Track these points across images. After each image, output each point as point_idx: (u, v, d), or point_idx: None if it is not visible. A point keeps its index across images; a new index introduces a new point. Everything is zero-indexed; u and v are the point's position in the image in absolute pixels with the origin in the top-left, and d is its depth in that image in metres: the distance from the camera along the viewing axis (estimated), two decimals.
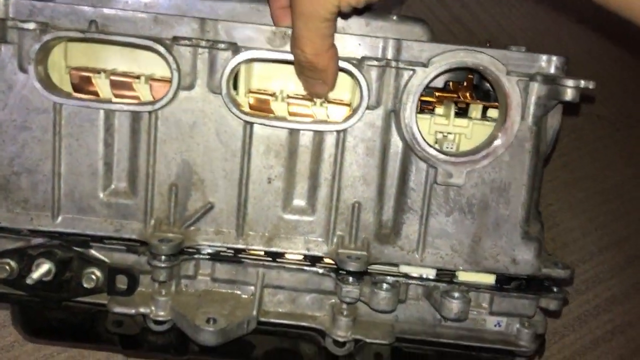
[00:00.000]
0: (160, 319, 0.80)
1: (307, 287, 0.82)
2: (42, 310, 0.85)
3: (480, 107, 0.81)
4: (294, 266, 0.81)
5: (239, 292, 0.83)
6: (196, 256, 0.80)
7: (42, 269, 0.77)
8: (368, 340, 0.81)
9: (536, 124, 0.77)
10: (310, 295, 0.83)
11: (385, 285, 0.78)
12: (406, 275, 0.81)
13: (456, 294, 0.78)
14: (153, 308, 0.80)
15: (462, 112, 0.82)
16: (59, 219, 0.79)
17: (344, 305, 0.81)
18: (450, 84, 0.84)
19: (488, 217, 0.79)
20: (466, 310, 0.77)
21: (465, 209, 0.79)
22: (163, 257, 0.77)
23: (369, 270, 0.79)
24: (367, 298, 0.78)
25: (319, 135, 0.78)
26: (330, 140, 0.78)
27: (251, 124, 0.77)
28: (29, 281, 0.76)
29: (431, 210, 0.79)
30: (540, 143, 0.79)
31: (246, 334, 0.80)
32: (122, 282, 0.80)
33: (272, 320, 0.83)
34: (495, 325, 0.83)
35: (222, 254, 0.81)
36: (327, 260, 0.81)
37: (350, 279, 0.78)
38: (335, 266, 0.79)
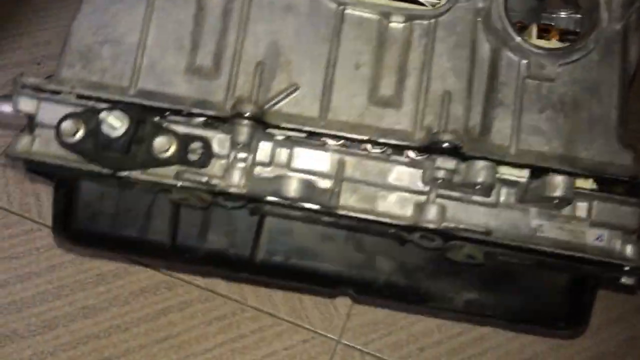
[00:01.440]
0: (234, 190, 0.68)
1: (391, 183, 0.71)
2: (92, 205, 0.72)
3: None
4: (378, 154, 0.71)
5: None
6: (276, 137, 0.71)
7: (114, 121, 0.67)
8: (461, 226, 0.68)
9: (623, 26, 0.73)
10: (393, 194, 0.71)
11: (481, 162, 0.67)
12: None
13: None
14: (227, 179, 0.68)
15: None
16: (136, 90, 0.71)
17: (433, 194, 0.69)
18: None
19: (581, 116, 0.72)
20: (570, 187, 0.66)
21: (557, 106, 0.72)
22: (245, 121, 0.67)
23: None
24: (462, 173, 0.67)
25: (409, 26, 0.74)
26: (420, 31, 0.73)
27: (344, 6, 0.73)
28: (102, 134, 0.65)
29: (523, 106, 0.72)
30: (627, 51, 0.74)
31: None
32: (195, 153, 0.69)
33: (352, 214, 0.70)
34: (596, 239, 0.71)
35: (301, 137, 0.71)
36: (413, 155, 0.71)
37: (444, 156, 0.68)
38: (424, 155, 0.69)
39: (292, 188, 0.64)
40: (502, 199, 0.70)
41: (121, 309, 1.12)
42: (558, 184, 0.65)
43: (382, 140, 0.70)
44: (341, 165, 0.70)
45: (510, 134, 0.70)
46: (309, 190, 0.65)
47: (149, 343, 1.11)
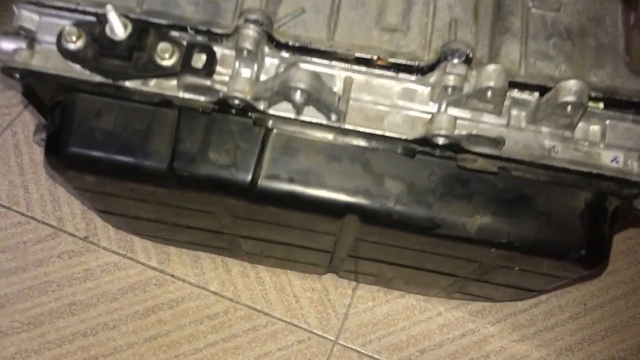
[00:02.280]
0: (239, 95, 0.63)
1: (399, 103, 0.67)
2: (88, 123, 0.67)
3: None
4: (386, 73, 0.67)
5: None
6: (282, 53, 0.67)
7: (117, 22, 0.63)
8: (474, 133, 0.63)
9: None
10: (402, 113, 0.66)
11: (492, 65, 0.63)
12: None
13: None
14: (232, 85, 0.63)
15: None
16: (142, 9, 0.68)
17: (444, 105, 0.65)
18: None
19: (588, 44, 0.69)
20: (584, 91, 0.61)
21: (564, 34, 0.69)
22: (251, 27, 0.64)
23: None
24: (473, 81, 0.63)
25: None
26: None
27: None
28: (104, 37, 0.61)
29: (530, 33, 0.69)
30: None
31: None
32: (199, 61, 0.65)
33: (357, 128, 0.65)
34: (612, 161, 0.66)
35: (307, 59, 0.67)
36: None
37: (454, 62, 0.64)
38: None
39: (301, 77, 0.59)
40: (512, 121, 0.65)
41: (109, 305, 1.04)
42: (571, 87, 0.60)
43: (390, 60, 0.65)
44: (348, 84, 0.65)
45: (519, 59, 0.67)
46: (318, 83, 0.60)
47: (138, 341, 1.02)
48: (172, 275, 1.07)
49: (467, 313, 1.07)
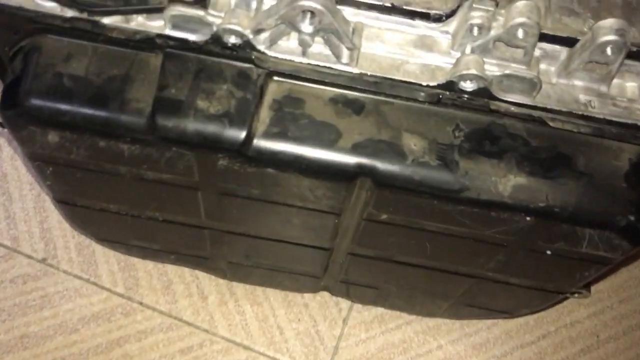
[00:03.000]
0: (235, 28, 0.52)
1: (417, 52, 0.57)
2: (55, 67, 0.55)
3: None
4: (400, 18, 0.58)
5: None
6: None
7: None
8: (506, 72, 0.53)
9: None
10: (418, 63, 0.57)
11: (522, 1, 0.55)
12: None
13: None
14: (228, 17, 0.53)
15: None
16: None
17: (469, 48, 0.55)
18: None
19: (615, 2, 0.61)
20: (625, 29, 0.53)
21: None
22: None
23: None
24: (502, 18, 0.54)
25: None
26: None
27: None
28: None
29: None
30: None
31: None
32: None
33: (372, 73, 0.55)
34: None
35: None
36: None
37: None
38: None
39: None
40: (542, 76, 0.56)
41: (68, 337, 0.88)
42: (611, 25, 0.52)
43: (405, 7, 0.56)
44: (358, 30, 0.55)
45: (544, 13, 0.58)
46: (332, 5, 0.50)
47: None
48: (141, 303, 0.91)
49: (469, 346, 0.93)
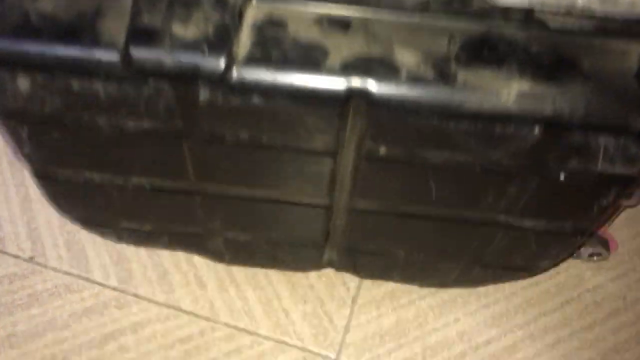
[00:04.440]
0: None
1: None
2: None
3: None
4: None
5: None
6: None
7: None
8: None
9: None
10: None
11: None
12: None
13: None
14: None
15: None
16: None
17: None
18: None
19: None
20: None
21: None
22: None
23: None
24: None
25: None
26: None
27: None
28: None
29: None
30: None
31: None
32: None
33: None
34: None
35: None
36: None
37: None
38: None
39: None
40: None
41: (58, 334, 0.84)
42: None
43: None
44: None
45: None
46: None
47: None
48: (136, 295, 0.88)
49: (489, 317, 0.89)
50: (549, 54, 0.52)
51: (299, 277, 0.90)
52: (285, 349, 0.85)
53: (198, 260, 0.90)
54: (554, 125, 0.52)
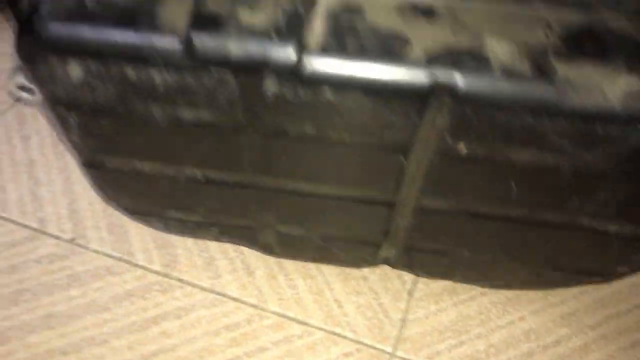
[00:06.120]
0: None
1: None
2: None
3: None
4: None
5: None
6: None
7: None
8: None
9: None
10: None
11: None
12: None
13: None
14: None
15: None
16: None
17: None
18: None
19: None
20: None
21: None
22: None
23: None
24: None
25: None
26: None
27: None
28: None
29: None
30: None
31: None
32: None
33: None
34: None
35: None
36: None
37: None
38: None
39: None
40: None
41: (98, 316, 0.84)
42: None
43: None
44: None
45: None
46: None
47: (133, 359, 0.81)
48: (180, 280, 0.87)
49: (557, 316, 0.87)
50: None
51: (351, 269, 0.89)
52: (338, 341, 0.84)
53: (246, 248, 0.89)
54: None
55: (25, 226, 0.93)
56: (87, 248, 0.90)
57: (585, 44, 0.49)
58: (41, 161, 1.00)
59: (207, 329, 0.85)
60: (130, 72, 0.52)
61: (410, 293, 0.88)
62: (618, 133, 0.49)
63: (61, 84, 0.54)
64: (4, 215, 0.93)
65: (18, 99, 0.67)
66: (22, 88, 0.67)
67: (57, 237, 0.91)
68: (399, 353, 0.83)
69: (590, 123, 0.49)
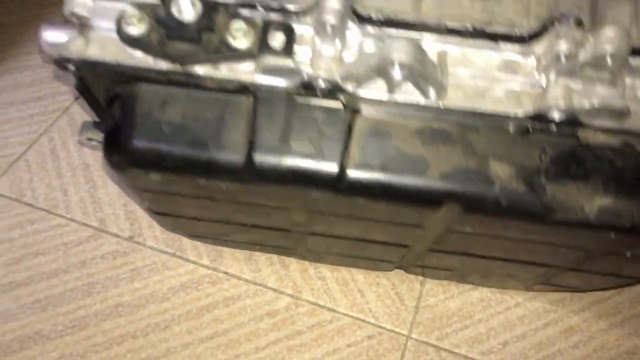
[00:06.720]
0: (324, 75, 0.59)
1: (501, 76, 0.62)
2: (152, 115, 0.63)
3: None
4: (483, 43, 0.62)
5: None
6: (366, 27, 0.63)
7: (184, 2, 0.59)
8: (596, 105, 0.58)
9: None
10: (505, 88, 0.62)
11: (611, 28, 0.58)
12: None
13: None
14: (316, 64, 0.59)
15: None
16: None
17: (553, 75, 0.60)
18: None
19: None
20: None
21: None
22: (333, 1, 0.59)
23: None
24: (589, 45, 0.59)
25: None
26: None
27: None
28: (171, 18, 0.57)
29: None
30: None
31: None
32: (276, 40, 0.61)
33: (459, 105, 0.61)
34: None
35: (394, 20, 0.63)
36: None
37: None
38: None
39: (402, 48, 0.55)
40: (628, 92, 0.61)
41: (159, 306, 1.01)
42: None
43: (487, 29, 0.61)
44: (442, 58, 0.61)
45: (629, 22, 0.62)
46: (421, 54, 0.56)
47: (193, 342, 0.99)
48: (226, 273, 1.04)
49: (547, 303, 1.03)
50: (632, 172, 0.61)
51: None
52: (362, 325, 1.02)
53: None
54: (629, 234, 0.62)
55: (88, 226, 1.08)
56: (144, 245, 1.06)
57: (572, 166, 0.62)
58: (94, 165, 1.14)
59: (252, 315, 1.02)
60: (201, 180, 0.65)
61: (422, 283, 1.05)
62: (593, 235, 0.63)
63: (142, 182, 0.68)
64: (67, 216, 1.09)
65: (86, 146, 0.81)
66: (90, 140, 0.80)
67: (117, 236, 1.07)
68: (414, 335, 1.01)
69: (570, 231, 0.63)
